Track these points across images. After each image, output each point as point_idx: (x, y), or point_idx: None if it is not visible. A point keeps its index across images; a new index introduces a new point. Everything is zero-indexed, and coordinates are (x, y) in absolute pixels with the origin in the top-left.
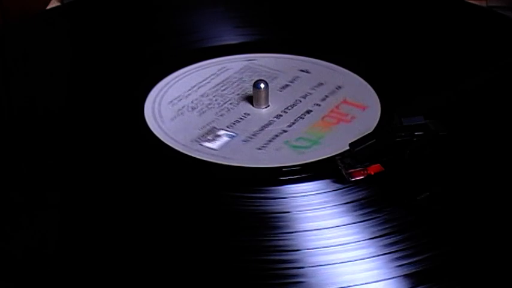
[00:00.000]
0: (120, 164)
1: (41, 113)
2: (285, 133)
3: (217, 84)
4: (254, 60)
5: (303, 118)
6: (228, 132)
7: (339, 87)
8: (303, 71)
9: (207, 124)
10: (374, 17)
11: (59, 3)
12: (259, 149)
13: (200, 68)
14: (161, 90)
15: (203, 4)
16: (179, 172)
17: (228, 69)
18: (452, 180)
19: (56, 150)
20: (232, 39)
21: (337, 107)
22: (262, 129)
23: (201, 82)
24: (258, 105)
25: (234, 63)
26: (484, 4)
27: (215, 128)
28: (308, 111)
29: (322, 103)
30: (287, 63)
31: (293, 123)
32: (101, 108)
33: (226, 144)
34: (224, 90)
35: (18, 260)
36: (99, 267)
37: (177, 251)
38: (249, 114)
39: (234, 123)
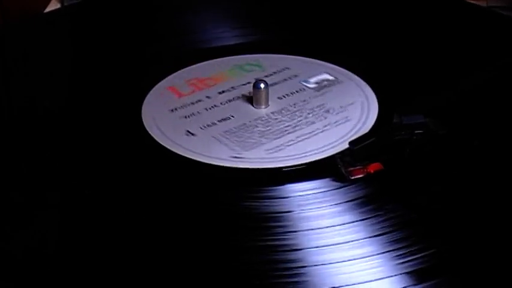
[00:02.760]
0: (119, 164)
1: (41, 113)
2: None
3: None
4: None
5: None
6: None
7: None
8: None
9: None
10: (374, 17)
11: (58, 4)
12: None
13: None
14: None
15: (203, 4)
16: (179, 172)
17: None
18: (452, 178)
19: (55, 150)
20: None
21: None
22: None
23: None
24: (258, 105)
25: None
26: (484, 4)
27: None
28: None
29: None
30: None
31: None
32: (100, 109)
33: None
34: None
35: (18, 260)
36: (99, 267)
37: (178, 251)
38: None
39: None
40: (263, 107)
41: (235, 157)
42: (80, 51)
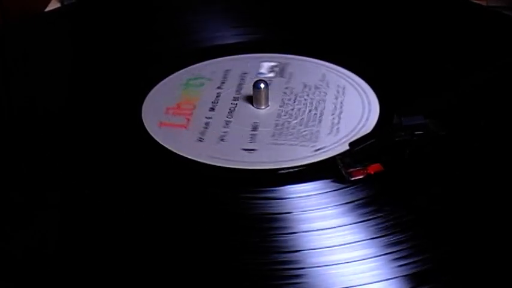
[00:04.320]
0: (119, 164)
1: (41, 113)
2: None
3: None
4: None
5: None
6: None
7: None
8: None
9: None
10: (374, 18)
11: (58, 4)
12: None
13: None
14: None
15: (203, 4)
16: (178, 173)
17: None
18: (452, 180)
19: (56, 150)
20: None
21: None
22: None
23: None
24: (258, 105)
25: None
26: (484, 4)
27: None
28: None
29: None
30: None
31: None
32: (100, 108)
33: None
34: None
35: (18, 260)
36: (99, 267)
37: (178, 252)
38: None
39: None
40: (263, 106)
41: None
42: (80, 50)
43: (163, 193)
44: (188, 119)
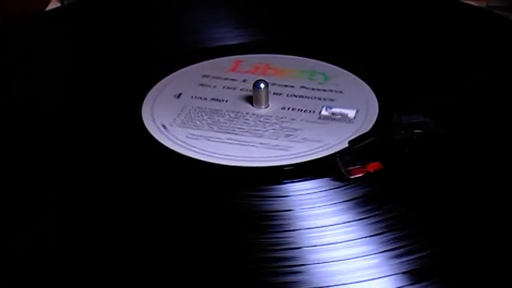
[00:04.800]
0: (119, 163)
1: (41, 113)
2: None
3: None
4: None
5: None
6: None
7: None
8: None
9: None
10: (374, 18)
11: (58, 4)
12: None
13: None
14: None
15: (203, 4)
16: (178, 171)
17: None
18: (451, 178)
19: (56, 150)
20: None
21: None
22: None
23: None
24: (258, 105)
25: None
26: (484, 4)
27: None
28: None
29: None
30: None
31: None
32: (100, 108)
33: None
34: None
35: (18, 260)
36: (99, 267)
37: (178, 250)
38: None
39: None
40: (263, 106)
41: None
42: (80, 50)
43: (163, 192)
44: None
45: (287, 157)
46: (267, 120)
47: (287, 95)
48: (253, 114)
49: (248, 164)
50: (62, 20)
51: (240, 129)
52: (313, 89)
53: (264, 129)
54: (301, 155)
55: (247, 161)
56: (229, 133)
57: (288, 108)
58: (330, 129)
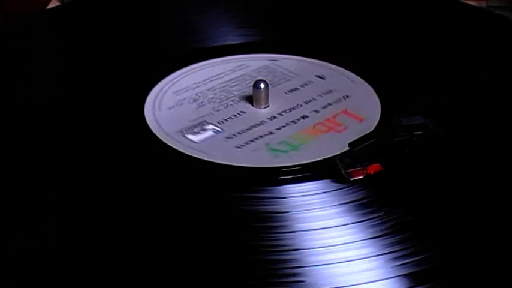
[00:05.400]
0: (119, 163)
1: (41, 112)
2: (270, 135)
3: (229, 80)
4: (276, 60)
5: (295, 123)
6: (214, 128)
7: (347, 96)
8: (319, 76)
9: (200, 117)
10: (374, 17)
11: (58, 3)
12: (238, 147)
13: (216, 64)
14: (171, 80)
15: (204, 3)
16: (178, 171)
17: (247, 66)
18: (451, 180)
19: (56, 150)
20: (252, 38)
21: (334, 116)
22: (250, 129)
23: (214, 76)
24: (258, 105)
25: (255, 61)
26: (484, 4)
27: (205, 121)
28: (303, 117)
29: (322, 110)
30: (306, 66)
31: (283, 126)
32: (101, 108)
33: (207, 139)
34: (233, 86)
35: (18, 260)
36: (99, 267)
37: (176, 251)
38: (244, 113)
39: (225, 120)
40: (263, 107)
41: None
42: (80, 50)
43: (163, 192)
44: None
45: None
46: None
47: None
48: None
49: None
50: (62, 19)
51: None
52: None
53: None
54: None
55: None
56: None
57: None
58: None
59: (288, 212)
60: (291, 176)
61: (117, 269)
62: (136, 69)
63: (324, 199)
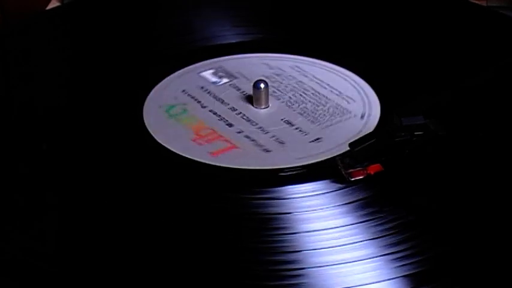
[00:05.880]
0: (119, 164)
1: (41, 112)
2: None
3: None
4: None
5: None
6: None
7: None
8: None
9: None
10: (374, 17)
11: (59, 3)
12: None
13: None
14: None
15: (204, 3)
16: (178, 173)
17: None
18: (452, 180)
19: (56, 150)
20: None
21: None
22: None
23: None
24: (258, 105)
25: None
26: (484, 4)
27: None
28: None
29: None
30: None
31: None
32: (100, 108)
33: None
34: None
35: (18, 260)
36: (99, 267)
37: (177, 251)
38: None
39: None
40: (263, 107)
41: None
42: (80, 50)
43: (163, 193)
44: (228, 140)
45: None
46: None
47: (289, 97)
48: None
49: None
50: (62, 20)
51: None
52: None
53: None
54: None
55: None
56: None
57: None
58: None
59: (288, 213)
60: (289, 173)
61: (117, 269)
62: (137, 69)
63: (324, 200)
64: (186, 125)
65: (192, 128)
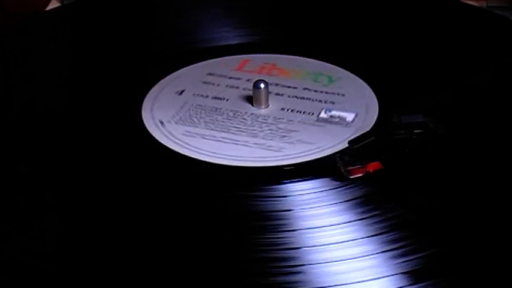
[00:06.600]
0: (118, 163)
1: (41, 112)
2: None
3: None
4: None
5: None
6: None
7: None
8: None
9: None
10: (374, 17)
11: (59, 4)
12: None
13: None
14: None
15: (204, 3)
16: (178, 171)
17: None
18: (451, 178)
19: (56, 150)
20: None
21: None
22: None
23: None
24: (258, 105)
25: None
26: (484, 4)
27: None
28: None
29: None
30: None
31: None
32: (100, 108)
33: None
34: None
35: (18, 260)
36: (99, 267)
37: (178, 250)
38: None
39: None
40: (263, 106)
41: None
42: (80, 50)
43: (163, 192)
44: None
45: (279, 158)
46: (265, 121)
47: (288, 96)
48: (252, 114)
49: (238, 164)
50: (62, 20)
51: (236, 129)
52: (315, 91)
53: (260, 129)
54: (292, 156)
55: (238, 160)
56: (224, 132)
57: (287, 110)
58: (326, 132)
59: (287, 210)
60: (289, 170)
61: (117, 269)
62: (137, 69)
63: (323, 197)
64: None
65: None
